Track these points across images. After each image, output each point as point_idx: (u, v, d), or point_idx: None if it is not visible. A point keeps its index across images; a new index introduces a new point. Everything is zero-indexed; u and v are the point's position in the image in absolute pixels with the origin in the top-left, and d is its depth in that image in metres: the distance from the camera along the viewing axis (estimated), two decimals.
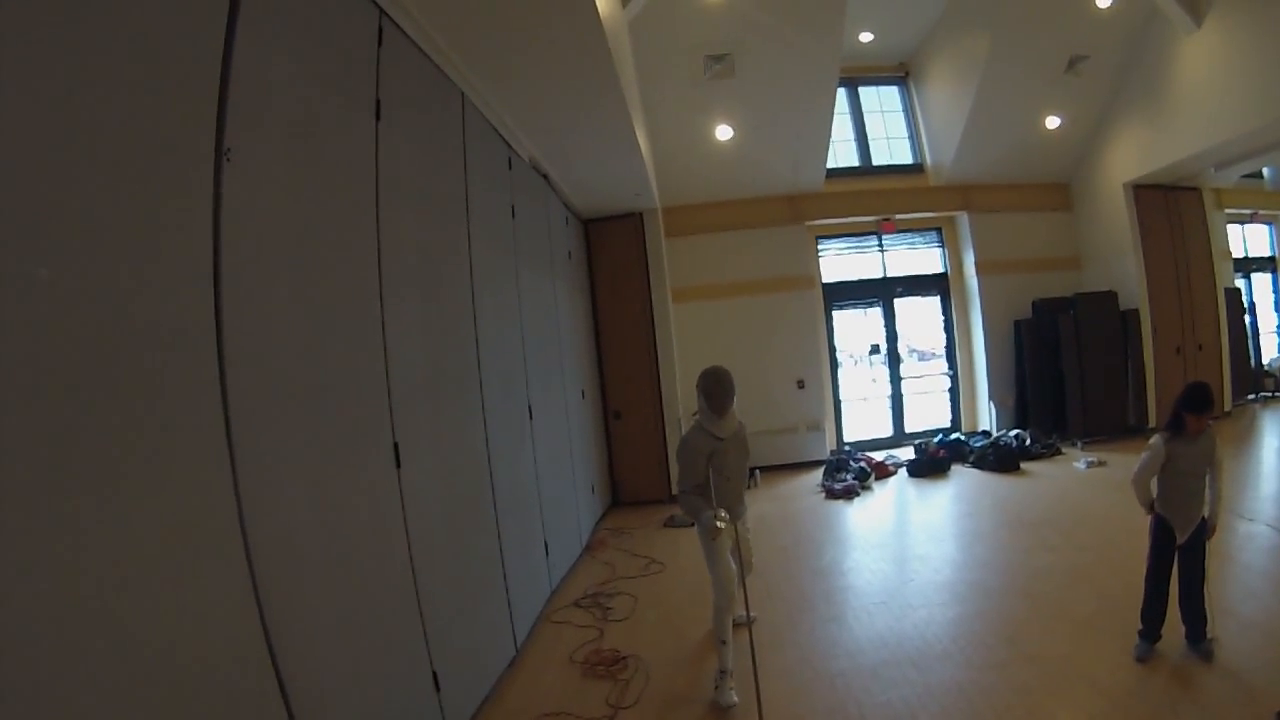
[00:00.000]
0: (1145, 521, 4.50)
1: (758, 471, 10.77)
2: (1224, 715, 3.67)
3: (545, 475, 6.56)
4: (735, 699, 4.39)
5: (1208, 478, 4.27)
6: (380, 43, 3.92)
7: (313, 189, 3.20)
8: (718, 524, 4.36)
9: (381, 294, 3.72)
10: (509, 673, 5.00)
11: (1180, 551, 4.28)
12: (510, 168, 6.39)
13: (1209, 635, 4.29)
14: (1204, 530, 4.28)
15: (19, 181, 1.77)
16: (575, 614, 6.10)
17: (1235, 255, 13.45)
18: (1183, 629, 4.34)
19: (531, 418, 6.28)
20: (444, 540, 4.23)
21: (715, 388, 4.65)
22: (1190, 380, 4.41)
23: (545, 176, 7.83)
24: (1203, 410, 4.17)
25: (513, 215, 6.36)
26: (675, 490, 4.97)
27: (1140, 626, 4.40)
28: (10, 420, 1.71)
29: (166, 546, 2.15)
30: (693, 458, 4.66)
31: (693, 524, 5.01)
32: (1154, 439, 4.34)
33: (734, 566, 4.72)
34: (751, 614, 5.04)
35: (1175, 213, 11.65)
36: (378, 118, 3.84)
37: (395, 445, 3.70)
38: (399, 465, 3.72)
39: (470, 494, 4.78)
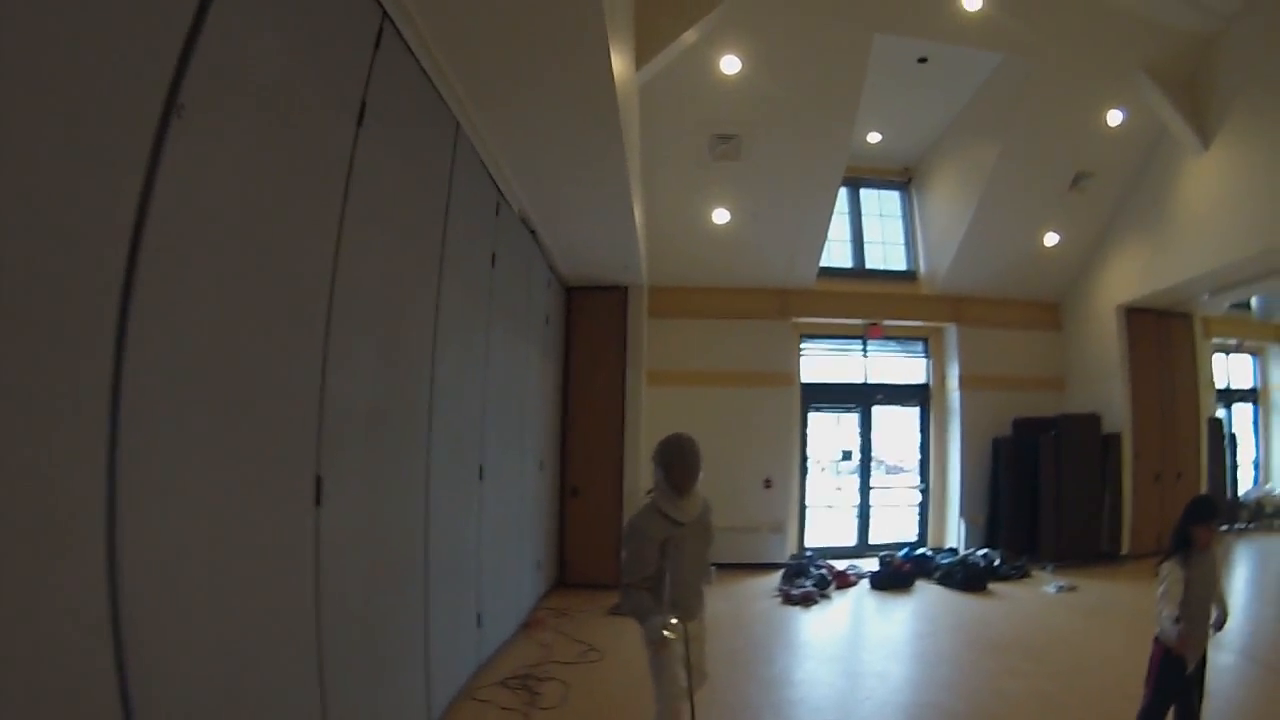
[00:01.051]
0: (1118, 648, 4.13)
1: (713, 568, 10.23)
2: None
3: (488, 542, 6.19)
4: None
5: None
6: (377, 45, 3.77)
7: (271, 175, 2.92)
8: (665, 634, 3.67)
9: (330, 311, 3.39)
10: None
11: (1184, 685, 3.93)
12: (497, 214, 6.25)
13: None
14: (1205, 661, 3.98)
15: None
16: (501, 694, 5.65)
17: (1219, 385, 13.55)
18: None
19: (482, 479, 5.95)
20: (360, 594, 3.82)
21: (678, 461, 3.95)
22: (1194, 497, 4.20)
23: (533, 233, 7.70)
24: (1211, 518, 3.94)
25: (493, 264, 6.17)
26: (621, 582, 4.01)
27: None
28: None
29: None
30: (642, 546, 3.88)
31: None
32: (1165, 566, 3.97)
33: (683, 678, 3.94)
34: None
35: (1165, 339, 11.69)
36: (360, 122, 3.63)
37: (318, 479, 3.31)
38: (319, 502, 3.32)
39: (399, 548, 4.39)
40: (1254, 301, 13.11)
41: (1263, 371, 15.11)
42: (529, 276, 7.67)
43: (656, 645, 3.74)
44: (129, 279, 2.12)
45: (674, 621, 3.72)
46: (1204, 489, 11.61)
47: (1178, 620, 3.78)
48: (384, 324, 4.08)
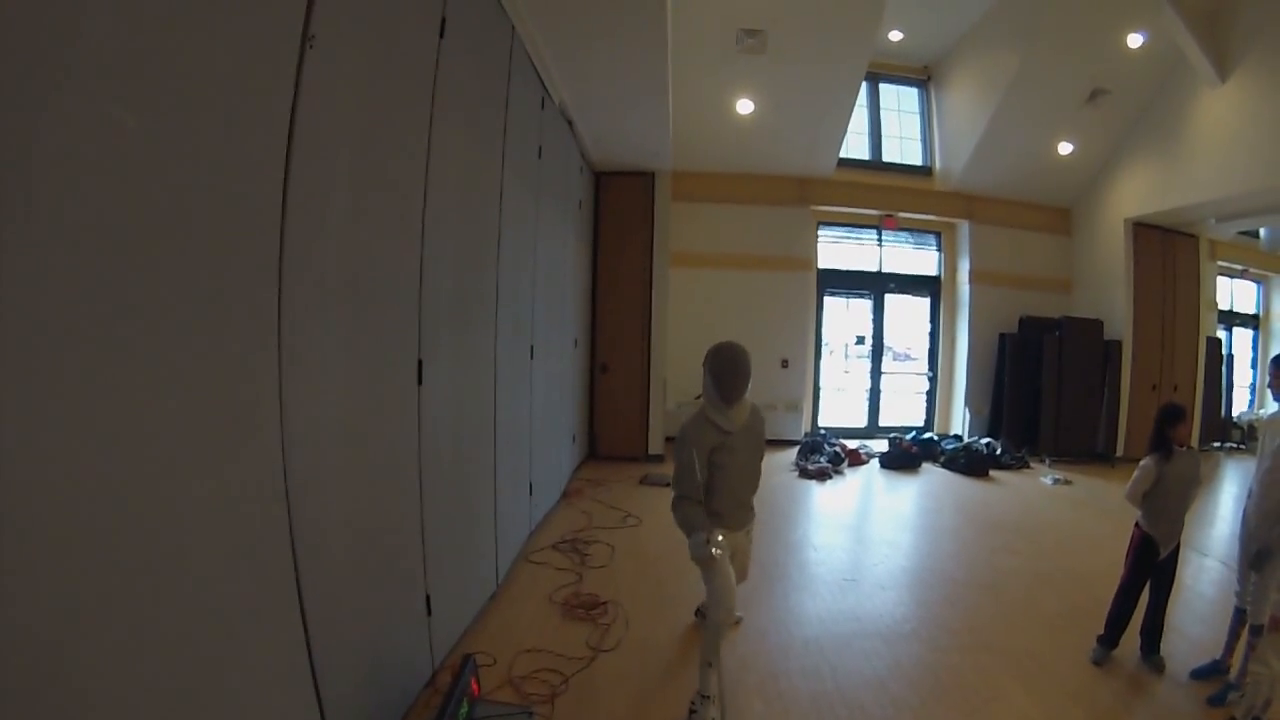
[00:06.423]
0: (1107, 539, 4.64)
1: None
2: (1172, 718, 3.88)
3: (538, 416, 6.63)
4: None
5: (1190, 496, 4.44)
6: None
7: (381, 91, 3.24)
8: (712, 550, 3.62)
9: (424, 211, 3.75)
10: (490, 606, 5.05)
11: (1157, 568, 4.45)
12: (542, 108, 6.46)
13: (1160, 651, 4.49)
14: (1178, 550, 4.46)
15: (124, 39, 1.76)
16: (554, 556, 6.16)
17: (1221, 307, 13.73)
18: (1138, 641, 4.53)
19: (532, 357, 6.35)
20: (450, 464, 4.27)
21: (728, 370, 3.83)
22: (1163, 404, 4.61)
23: (570, 123, 7.91)
24: (1182, 419, 4.40)
25: (539, 155, 6.43)
26: (673, 493, 3.95)
27: (1101, 632, 4.57)
28: (71, 276, 1.66)
29: (215, 425, 2.18)
30: (691, 456, 3.82)
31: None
32: (1144, 461, 4.47)
33: (734, 584, 3.88)
34: (737, 613, 4.55)
35: (1170, 256, 11.91)
36: (442, 35, 3.88)
37: (420, 362, 3.74)
38: (421, 382, 3.76)
39: (476, 423, 4.82)
40: (1262, 232, 13.29)
41: (1266, 299, 15.29)
42: (566, 165, 7.91)
43: (701, 563, 3.74)
44: (284, 202, 2.46)
45: (719, 537, 3.69)
46: (1199, 403, 12.19)
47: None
48: (463, 218, 4.41)
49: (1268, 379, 4.43)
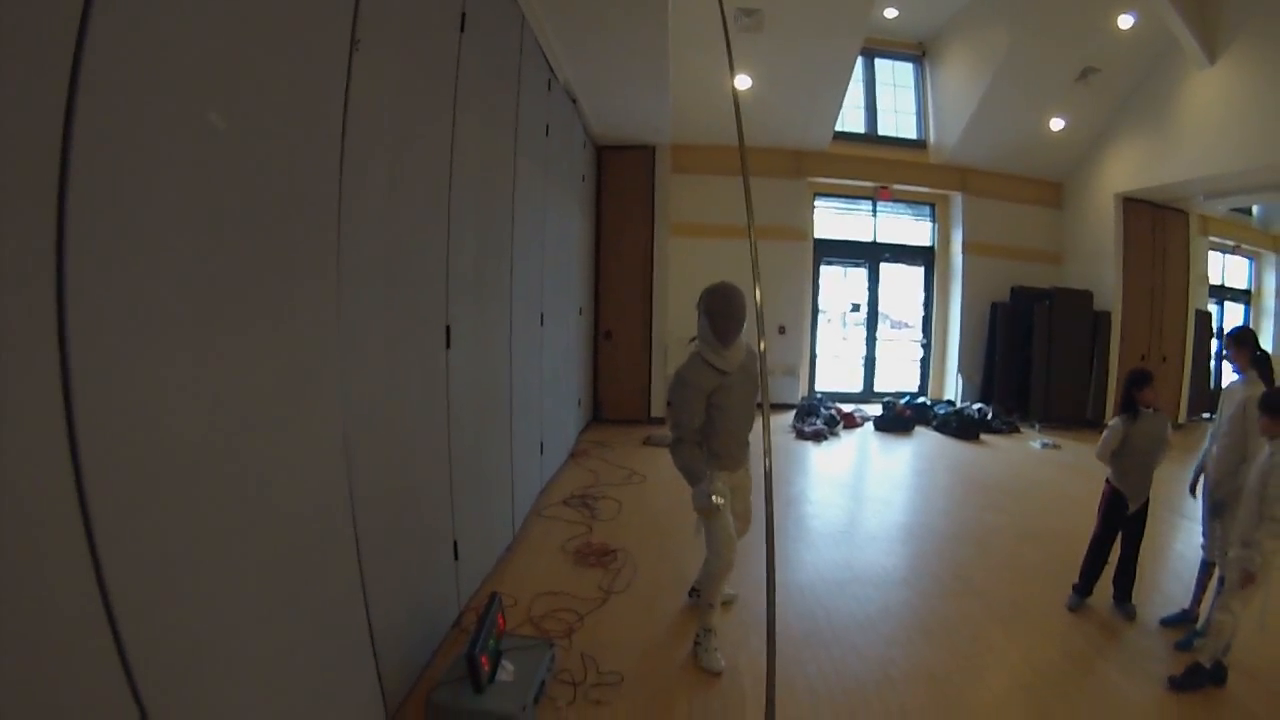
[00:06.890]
0: (1089, 499, 4.95)
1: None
2: (1139, 661, 4.19)
3: (547, 380, 6.92)
4: (723, 662, 3.94)
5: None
6: None
7: (410, 84, 3.49)
8: (715, 501, 3.80)
9: (450, 192, 4.03)
10: (507, 555, 5.36)
11: (1126, 522, 4.75)
12: (549, 89, 6.72)
13: (1132, 600, 4.80)
14: (1148, 505, 4.75)
15: (203, 47, 1.97)
16: (564, 511, 6.48)
17: (1213, 282, 13.81)
18: (1111, 590, 4.84)
19: (542, 325, 6.62)
20: (473, 422, 4.58)
21: (723, 309, 3.81)
22: (1131, 369, 4.94)
23: (574, 100, 8.15)
24: (1145, 383, 4.68)
25: (547, 134, 6.68)
26: (670, 435, 4.07)
27: (1076, 581, 4.90)
28: (176, 261, 1.90)
29: (292, 388, 2.49)
30: (690, 398, 3.87)
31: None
32: (1113, 421, 4.77)
33: (733, 529, 4.09)
34: (731, 591, 4.72)
35: (1160, 230, 12.06)
36: (462, 30, 4.11)
37: (448, 327, 4.03)
38: (449, 346, 4.04)
39: (495, 384, 5.13)
40: (1255, 209, 13.42)
41: (1258, 275, 15.31)
42: (570, 141, 8.15)
43: (704, 514, 3.91)
44: (340, 192, 2.74)
45: (720, 484, 3.92)
46: (1186, 375, 12.44)
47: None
48: (482, 196, 4.69)
49: (1226, 352, 4.70)
